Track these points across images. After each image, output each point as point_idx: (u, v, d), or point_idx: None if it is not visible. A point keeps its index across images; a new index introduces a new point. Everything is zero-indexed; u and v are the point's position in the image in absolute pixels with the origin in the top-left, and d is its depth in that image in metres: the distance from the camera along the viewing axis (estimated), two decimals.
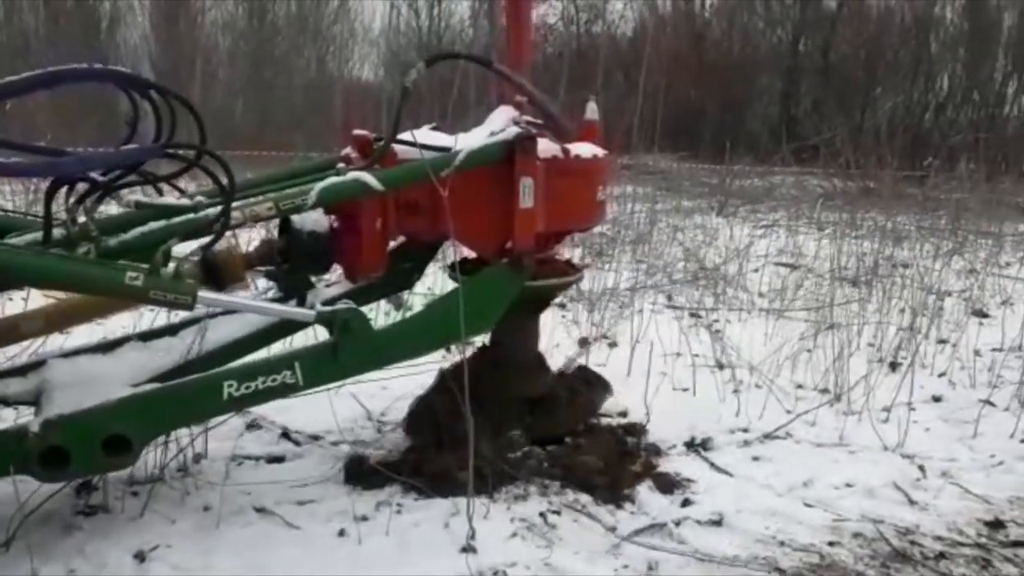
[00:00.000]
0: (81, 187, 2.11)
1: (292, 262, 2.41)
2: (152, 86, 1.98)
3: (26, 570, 1.96)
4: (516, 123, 2.50)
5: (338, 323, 2.17)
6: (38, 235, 2.00)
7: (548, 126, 2.54)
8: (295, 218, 2.36)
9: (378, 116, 9.86)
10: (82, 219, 2.02)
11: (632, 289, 4.88)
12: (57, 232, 2.00)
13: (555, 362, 3.16)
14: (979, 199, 8.80)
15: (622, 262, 5.96)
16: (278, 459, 2.68)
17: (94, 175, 2.05)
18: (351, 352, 2.19)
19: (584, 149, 2.57)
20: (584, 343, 4.09)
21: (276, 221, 2.42)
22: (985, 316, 4.95)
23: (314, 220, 2.37)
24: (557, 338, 4.04)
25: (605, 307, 4.56)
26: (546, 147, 2.46)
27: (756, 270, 5.83)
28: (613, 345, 4.11)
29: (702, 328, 4.38)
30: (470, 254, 2.63)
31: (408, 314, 2.60)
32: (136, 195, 2.26)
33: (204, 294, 2.00)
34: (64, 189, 2.09)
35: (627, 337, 4.02)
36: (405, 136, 2.44)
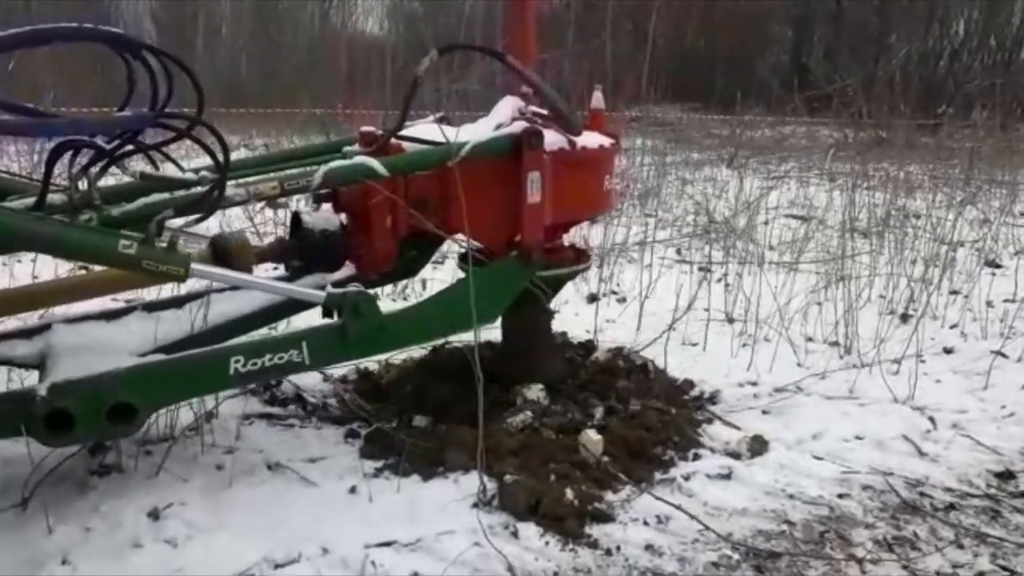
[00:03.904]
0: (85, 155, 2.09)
1: (304, 260, 2.44)
2: (145, 47, 1.91)
3: (43, 528, 1.99)
4: (522, 114, 2.48)
5: (348, 306, 2.17)
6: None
7: (558, 123, 2.51)
8: (307, 217, 2.40)
9: (382, 70, 9.75)
10: (84, 186, 2.00)
11: (641, 243, 4.85)
12: (61, 199, 1.99)
13: (564, 319, 3.14)
14: (993, 147, 8.67)
15: (631, 216, 5.92)
16: (288, 417, 2.70)
17: (100, 142, 2.02)
18: (359, 334, 2.20)
19: (591, 139, 2.55)
20: (593, 299, 4.08)
21: (289, 220, 2.45)
22: (998, 267, 4.91)
23: (325, 219, 2.40)
24: (566, 295, 4.04)
25: (614, 262, 4.54)
26: (552, 139, 2.44)
27: (766, 222, 5.77)
28: (622, 300, 4.10)
29: (712, 282, 4.36)
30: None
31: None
32: (145, 166, 2.25)
33: (197, 266, 1.99)
34: (68, 156, 2.07)
35: (637, 292, 4.01)
36: (411, 131, 2.46)
